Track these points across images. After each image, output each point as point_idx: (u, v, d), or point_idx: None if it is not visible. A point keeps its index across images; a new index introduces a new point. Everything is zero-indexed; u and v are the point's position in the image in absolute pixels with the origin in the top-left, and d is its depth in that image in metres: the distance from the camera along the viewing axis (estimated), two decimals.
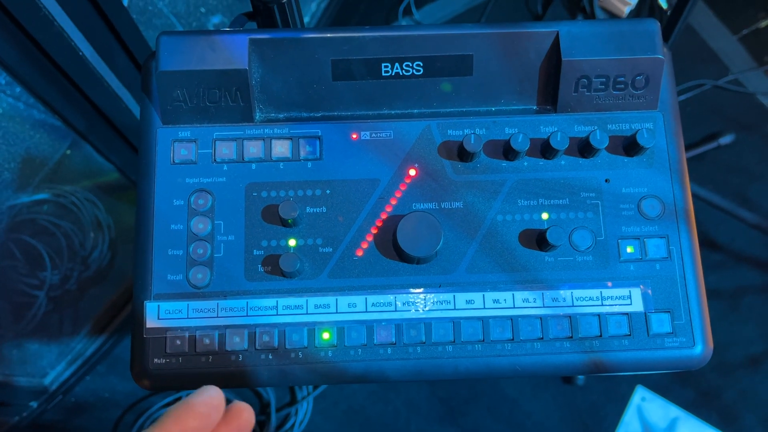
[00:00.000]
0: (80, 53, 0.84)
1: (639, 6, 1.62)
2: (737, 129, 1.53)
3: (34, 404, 1.31)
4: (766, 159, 1.53)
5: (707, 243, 1.46)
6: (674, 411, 1.36)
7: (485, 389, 1.40)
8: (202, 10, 1.43)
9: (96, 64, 0.87)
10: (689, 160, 1.50)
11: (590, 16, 1.61)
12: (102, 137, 1.04)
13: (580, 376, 1.39)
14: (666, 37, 1.12)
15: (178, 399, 1.38)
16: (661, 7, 1.61)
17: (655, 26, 0.50)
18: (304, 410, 1.38)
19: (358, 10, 1.64)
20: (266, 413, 1.38)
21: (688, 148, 1.51)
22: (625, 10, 1.59)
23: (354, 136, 0.52)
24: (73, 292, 1.35)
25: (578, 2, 1.63)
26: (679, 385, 1.39)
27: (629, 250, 0.50)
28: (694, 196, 1.35)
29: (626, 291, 0.49)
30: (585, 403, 1.39)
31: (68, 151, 1.30)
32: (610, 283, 0.49)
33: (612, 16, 1.62)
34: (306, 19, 1.54)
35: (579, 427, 1.37)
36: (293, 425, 1.37)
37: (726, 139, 1.51)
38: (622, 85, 0.51)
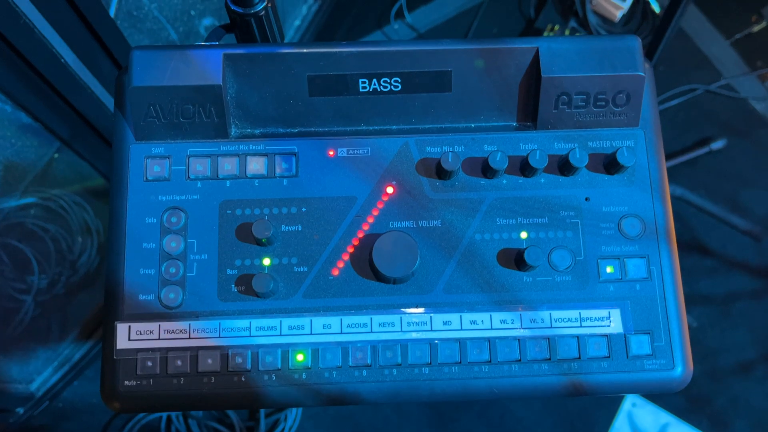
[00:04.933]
0: (62, 60, 0.83)
1: (632, 10, 1.61)
2: (729, 134, 1.53)
3: (20, 410, 1.30)
4: (758, 164, 1.53)
5: (699, 249, 1.45)
6: (665, 417, 1.36)
7: None
8: (192, 13, 1.41)
9: (78, 70, 0.86)
10: (681, 165, 1.49)
11: (583, 19, 1.60)
12: (86, 144, 1.03)
13: None
14: (657, 41, 1.12)
15: None
16: (653, 11, 1.60)
17: (635, 43, 0.49)
18: (293, 416, 1.37)
19: (350, 14, 1.63)
20: (255, 419, 1.37)
21: (679, 153, 1.50)
22: (618, 14, 1.58)
23: (331, 152, 0.51)
24: (61, 297, 1.34)
25: (571, 6, 1.62)
26: None
27: (609, 270, 0.49)
28: (686, 202, 1.35)
29: (605, 312, 0.48)
30: (576, 409, 1.38)
31: (56, 155, 1.29)
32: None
33: (604, 20, 1.62)
34: (297, 23, 1.53)
35: None
36: (282, 431, 1.36)
37: (718, 144, 1.50)
38: (603, 102, 0.50)
